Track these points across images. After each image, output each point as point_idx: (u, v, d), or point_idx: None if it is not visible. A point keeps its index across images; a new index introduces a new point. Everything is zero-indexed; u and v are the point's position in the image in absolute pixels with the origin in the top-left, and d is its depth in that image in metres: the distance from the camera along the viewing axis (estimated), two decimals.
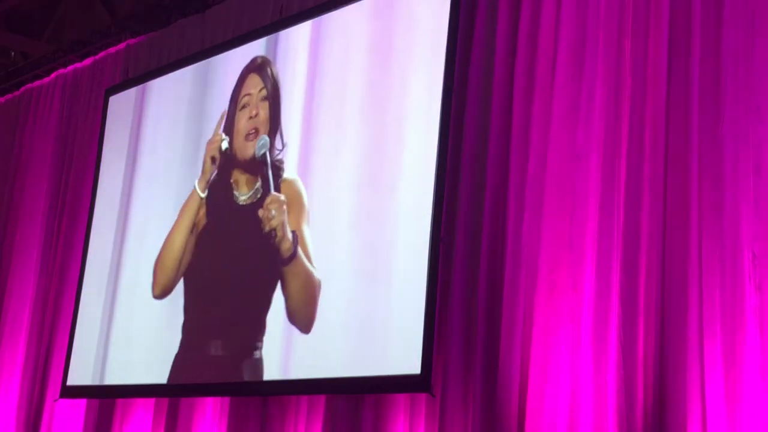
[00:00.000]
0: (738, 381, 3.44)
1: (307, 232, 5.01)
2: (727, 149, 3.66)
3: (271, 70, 5.46)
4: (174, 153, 5.95)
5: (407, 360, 4.33)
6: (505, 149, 4.35)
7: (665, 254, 3.77)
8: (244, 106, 5.54)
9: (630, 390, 3.72)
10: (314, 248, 4.95)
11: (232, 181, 5.51)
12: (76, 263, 6.43)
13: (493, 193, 4.35)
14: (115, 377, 5.90)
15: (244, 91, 5.59)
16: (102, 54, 6.96)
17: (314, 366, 4.78)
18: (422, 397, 4.37)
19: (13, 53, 8.24)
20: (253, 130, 5.42)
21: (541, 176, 4.16)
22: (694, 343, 3.58)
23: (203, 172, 5.69)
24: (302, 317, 4.90)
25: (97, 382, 5.98)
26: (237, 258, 5.39)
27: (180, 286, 5.66)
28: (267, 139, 5.31)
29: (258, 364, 5.03)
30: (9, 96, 7.79)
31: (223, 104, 5.70)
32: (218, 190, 5.60)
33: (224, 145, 5.56)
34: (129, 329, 5.91)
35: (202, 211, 5.65)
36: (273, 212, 5.13)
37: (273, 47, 5.53)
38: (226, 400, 5.29)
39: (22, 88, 7.64)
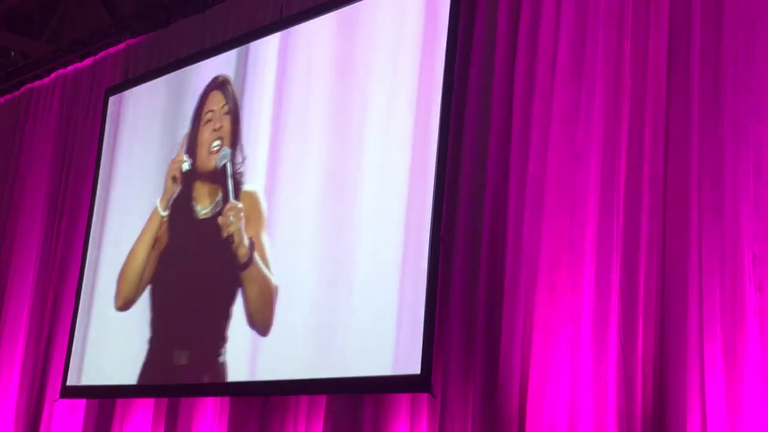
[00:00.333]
0: (738, 381, 3.44)
1: (266, 240, 5.20)
2: (727, 149, 3.66)
3: (231, 88, 5.69)
4: (149, 162, 6.09)
5: (408, 360, 4.34)
6: (505, 149, 4.35)
7: (665, 254, 3.77)
8: (208, 121, 5.77)
9: (630, 390, 3.72)
10: (281, 255, 5.11)
11: (193, 195, 5.71)
12: (76, 263, 6.43)
13: (493, 193, 4.34)
14: (89, 380, 6.04)
15: (207, 108, 5.81)
16: (102, 54, 6.96)
17: (275, 369, 4.95)
18: (422, 397, 4.37)
19: (13, 53, 8.24)
20: (218, 142, 5.63)
21: (541, 176, 4.16)
22: (694, 343, 3.58)
23: (165, 190, 5.90)
24: (260, 321, 5.11)
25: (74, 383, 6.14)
26: (198, 270, 5.60)
27: (145, 300, 5.83)
28: (229, 150, 5.51)
29: (221, 369, 5.21)
30: (9, 96, 7.79)
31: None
32: (179, 207, 5.80)
33: (185, 166, 5.77)
34: (100, 336, 6.05)
35: (164, 228, 5.85)
36: (231, 218, 5.38)
37: (243, 58, 5.67)
38: (227, 400, 5.29)
39: (22, 88, 7.64)
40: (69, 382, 6.12)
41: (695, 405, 3.52)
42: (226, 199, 5.44)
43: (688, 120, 3.80)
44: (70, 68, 7.22)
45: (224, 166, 5.49)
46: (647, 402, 3.68)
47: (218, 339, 5.27)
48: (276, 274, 5.09)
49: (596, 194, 3.98)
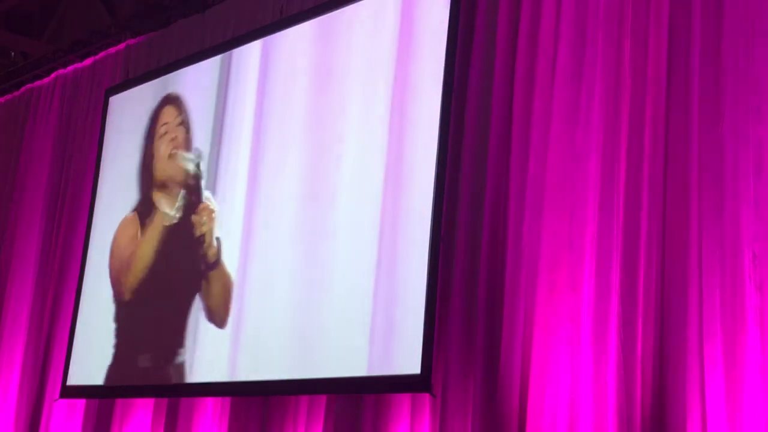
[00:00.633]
0: (738, 381, 3.44)
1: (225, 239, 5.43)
2: (727, 149, 3.66)
3: (182, 101, 5.93)
4: (131, 167, 6.19)
5: (407, 360, 4.35)
6: (505, 149, 4.35)
7: (665, 254, 3.77)
8: (164, 133, 5.99)
9: (630, 390, 3.72)
10: (259, 256, 5.23)
11: (155, 204, 5.90)
12: (76, 263, 6.43)
13: (493, 193, 4.34)
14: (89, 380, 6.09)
15: (161, 122, 6.02)
16: (102, 54, 6.96)
17: (257, 370, 5.04)
18: (423, 397, 4.37)
19: (13, 53, 8.23)
20: (174, 150, 5.84)
21: (541, 176, 4.16)
22: (694, 343, 3.58)
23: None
24: (220, 315, 5.30)
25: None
26: (163, 272, 5.79)
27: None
28: (200, 150, 5.67)
29: (180, 368, 5.38)
30: (9, 96, 7.78)
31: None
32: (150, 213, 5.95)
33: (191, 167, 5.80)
34: (100, 336, 6.07)
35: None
36: (204, 218, 5.54)
37: (227, 64, 5.75)
38: (227, 400, 5.29)
39: (22, 88, 7.63)
40: (69, 382, 6.13)
41: (695, 405, 3.52)
42: (198, 197, 5.60)
43: (688, 120, 3.80)
44: (70, 68, 7.21)
45: (197, 165, 5.65)
46: (647, 402, 3.68)
47: (178, 337, 5.48)
48: (253, 275, 5.20)
49: (596, 194, 3.98)
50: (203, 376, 5.33)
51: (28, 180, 7.19)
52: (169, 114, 6.03)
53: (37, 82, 7.50)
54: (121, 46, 6.80)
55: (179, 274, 5.67)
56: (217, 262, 5.40)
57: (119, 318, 5.97)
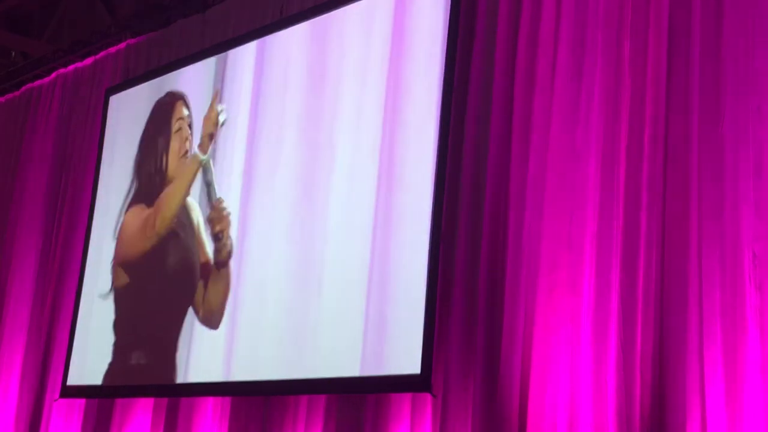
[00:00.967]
0: (738, 381, 3.44)
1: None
2: (727, 149, 3.66)
3: (188, 100, 5.96)
4: (127, 168, 6.21)
5: (408, 359, 4.35)
6: (505, 149, 4.35)
7: (665, 254, 3.77)
8: (179, 129, 5.95)
9: (630, 390, 3.72)
10: (255, 256, 5.23)
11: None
12: (76, 263, 6.43)
13: (493, 193, 4.34)
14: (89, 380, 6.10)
15: (176, 116, 5.98)
16: (102, 54, 6.96)
17: (253, 370, 5.06)
18: (423, 397, 4.37)
19: (13, 53, 8.24)
20: (186, 149, 5.84)
21: (541, 176, 4.16)
22: (694, 343, 3.58)
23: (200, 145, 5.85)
24: (215, 316, 5.31)
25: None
26: (163, 269, 5.79)
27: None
28: (211, 148, 5.66)
29: (173, 367, 5.40)
30: (9, 96, 7.79)
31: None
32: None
33: (222, 117, 5.73)
34: (100, 336, 6.07)
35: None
36: (223, 214, 5.49)
37: (222, 65, 5.77)
38: (227, 400, 5.29)
39: (22, 88, 7.63)
40: (69, 382, 6.13)
41: (695, 405, 3.52)
42: (212, 193, 5.58)
43: (688, 120, 3.80)
44: (70, 68, 7.21)
45: (208, 162, 5.62)
46: (647, 402, 3.68)
47: (173, 335, 5.49)
48: (249, 276, 5.21)
49: (596, 194, 3.98)
50: (198, 376, 5.32)
51: (28, 180, 7.19)
52: (181, 110, 6.01)
53: (38, 82, 7.50)
54: (121, 45, 6.80)
55: (179, 274, 5.65)
56: (227, 261, 5.37)
57: (119, 318, 5.96)
